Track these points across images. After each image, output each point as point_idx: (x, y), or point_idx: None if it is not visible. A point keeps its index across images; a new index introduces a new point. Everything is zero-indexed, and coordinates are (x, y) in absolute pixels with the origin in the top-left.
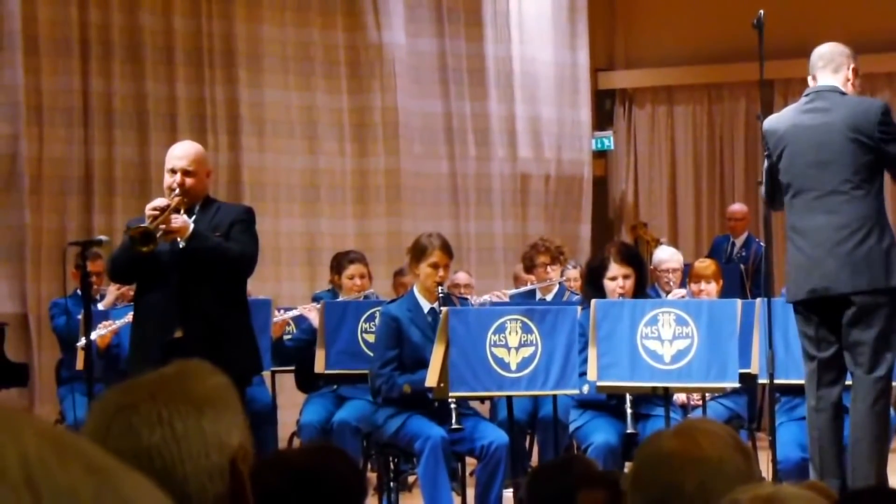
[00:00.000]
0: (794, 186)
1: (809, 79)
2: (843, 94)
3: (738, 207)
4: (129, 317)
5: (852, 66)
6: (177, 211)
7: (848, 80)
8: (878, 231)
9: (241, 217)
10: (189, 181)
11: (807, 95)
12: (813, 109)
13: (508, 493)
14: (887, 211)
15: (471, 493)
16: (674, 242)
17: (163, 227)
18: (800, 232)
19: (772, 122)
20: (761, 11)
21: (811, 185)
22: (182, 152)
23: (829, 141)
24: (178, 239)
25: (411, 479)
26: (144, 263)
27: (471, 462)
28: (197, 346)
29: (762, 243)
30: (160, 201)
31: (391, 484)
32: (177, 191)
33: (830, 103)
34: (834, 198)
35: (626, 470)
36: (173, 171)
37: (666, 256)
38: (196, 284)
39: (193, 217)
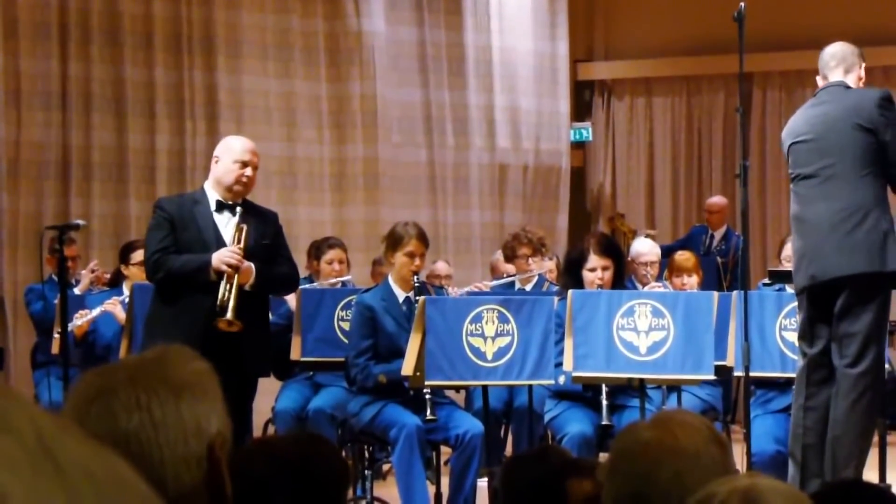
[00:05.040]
0: (796, 173)
1: (819, 78)
2: (848, 87)
3: (716, 200)
4: (108, 305)
5: (863, 64)
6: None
7: (860, 78)
8: (876, 215)
9: (280, 227)
10: (255, 178)
11: (815, 95)
12: (816, 103)
13: (483, 483)
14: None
15: (445, 481)
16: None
17: (234, 288)
18: (800, 220)
19: (784, 130)
20: (742, 4)
21: (812, 171)
22: (254, 147)
23: (830, 128)
24: (245, 284)
25: (386, 467)
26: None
27: (445, 451)
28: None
29: (741, 236)
30: (232, 257)
31: (365, 472)
32: (236, 258)
33: (833, 96)
34: (834, 183)
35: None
36: (245, 164)
37: (644, 249)
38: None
39: (239, 212)
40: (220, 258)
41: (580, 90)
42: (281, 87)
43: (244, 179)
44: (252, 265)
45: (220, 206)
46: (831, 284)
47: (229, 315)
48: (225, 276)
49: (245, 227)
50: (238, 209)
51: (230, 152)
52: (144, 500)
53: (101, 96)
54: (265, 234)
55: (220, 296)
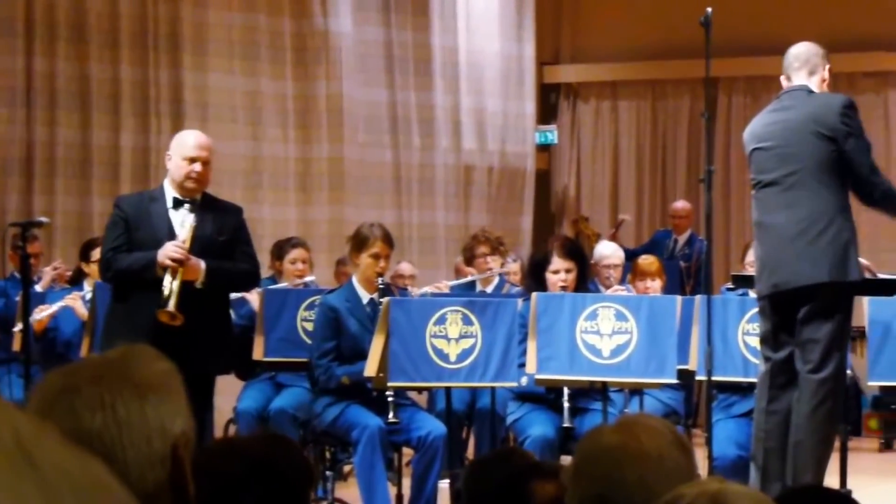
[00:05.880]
0: (758, 179)
1: (782, 78)
2: (811, 92)
3: (681, 205)
4: (68, 300)
5: (827, 66)
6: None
7: (824, 80)
8: (838, 225)
9: (243, 221)
10: (208, 174)
11: (778, 98)
12: (779, 108)
13: (444, 484)
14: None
15: (407, 483)
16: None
17: (177, 282)
18: (763, 227)
19: (746, 131)
20: (709, 9)
21: (774, 178)
22: (205, 142)
23: (792, 136)
24: (195, 281)
25: (347, 468)
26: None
27: (407, 452)
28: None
29: (705, 241)
30: (176, 251)
31: (327, 473)
32: (188, 232)
33: (796, 101)
34: (796, 191)
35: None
36: (193, 160)
37: (608, 252)
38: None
39: (187, 207)
40: (164, 253)
41: (546, 93)
42: (247, 86)
43: (194, 175)
44: (200, 262)
45: (178, 203)
46: (795, 293)
47: (170, 307)
48: (169, 270)
49: (195, 224)
50: (187, 205)
51: (180, 148)
52: (121, 502)
53: (66, 93)
54: (223, 230)
55: (164, 289)
